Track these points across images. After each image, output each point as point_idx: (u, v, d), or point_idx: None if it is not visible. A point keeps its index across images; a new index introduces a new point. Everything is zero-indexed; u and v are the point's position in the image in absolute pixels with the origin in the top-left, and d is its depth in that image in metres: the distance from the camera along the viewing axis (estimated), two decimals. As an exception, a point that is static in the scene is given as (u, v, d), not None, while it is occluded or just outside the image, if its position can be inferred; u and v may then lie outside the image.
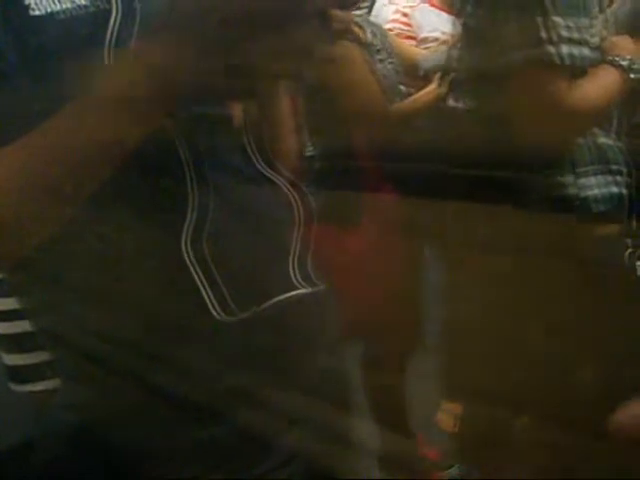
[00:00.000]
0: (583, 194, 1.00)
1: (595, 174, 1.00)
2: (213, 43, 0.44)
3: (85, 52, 0.52)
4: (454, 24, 1.13)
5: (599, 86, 0.97)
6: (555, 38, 0.91)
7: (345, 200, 1.20)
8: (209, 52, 0.44)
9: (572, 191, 1.00)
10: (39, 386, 1.04)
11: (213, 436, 0.59)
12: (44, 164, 0.49)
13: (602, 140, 1.02)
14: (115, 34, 0.52)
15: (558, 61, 0.91)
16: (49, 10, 0.52)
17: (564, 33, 0.91)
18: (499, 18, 0.95)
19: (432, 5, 1.71)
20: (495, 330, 1.00)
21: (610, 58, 1.00)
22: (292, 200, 0.62)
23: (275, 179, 0.61)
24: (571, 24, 0.91)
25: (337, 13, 0.46)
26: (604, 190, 1.00)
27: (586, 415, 0.84)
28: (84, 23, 0.52)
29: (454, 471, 1.55)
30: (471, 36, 1.05)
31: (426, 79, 1.44)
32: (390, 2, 1.76)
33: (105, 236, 0.55)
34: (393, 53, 1.45)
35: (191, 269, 0.55)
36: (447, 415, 1.49)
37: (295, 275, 0.61)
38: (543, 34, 0.91)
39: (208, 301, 0.56)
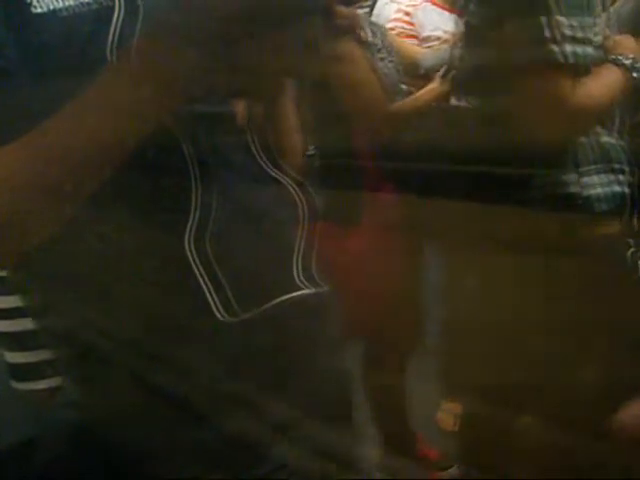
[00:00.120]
0: (586, 193, 0.99)
1: (598, 173, 1.00)
2: (215, 41, 0.44)
3: (87, 50, 0.52)
4: (456, 23, 1.13)
5: (602, 85, 0.97)
6: (559, 37, 0.91)
7: (346, 199, 1.20)
8: (211, 50, 0.44)
9: (575, 190, 0.99)
10: (40, 384, 1.04)
11: (213, 436, 0.58)
12: (44, 163, 0.49)
13: (605, 139, 1.02)
14: (118, 32, 0.52)
15: (562, 60, 0.91)
16: (51, 7, 0.52)
17: (568, 32, 0.91)
18: (502, 17, 0.95)
19: (434, 4, 1.70)
20: (496, 329, 1.00)
21: (613, 57, 1.00)
22: (297, 199, 0.61)
23: (280, 178, 0.61)
24: (575, 23, 0.91)
25: (341, 9, 0.46)
26: (607, 189, 1.00)
27: (587, 415, 0.84)
28: (87, 20, 0.52)
29: (454, 471, 1.55)
30: (474, 35, 1.05)
31: (427, 78, 1.44)
32: (392, 1, 1.75)
33: (108, 235, 0.55)
34: (393, 52, 1.45)
35: (194, 269, 0.55)
36: (447, 414, 1.49)
37: (299, 275, 0.61)
38: (547, 33, 0.91)
39: (211, 301, 0.56)
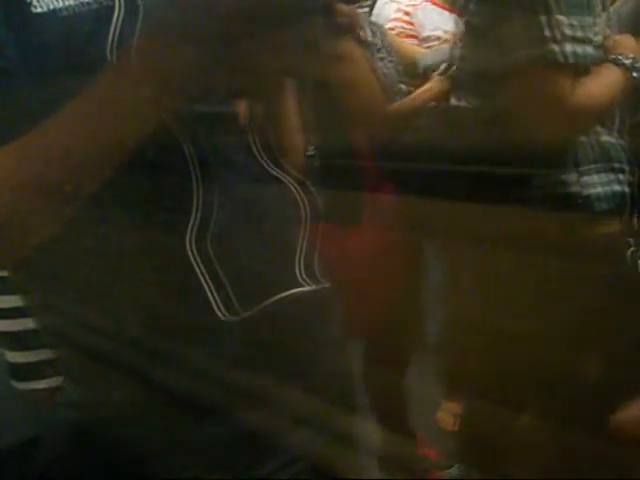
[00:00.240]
0: (586, 192, 1.00)
1: (598, 172, 1.01)
2: (215, 40, 0.44)
3: (87, 50, 0.52)
4: (456, 22, 1.13)
5: (602, 84, 0.97)
6: (559, 36, 0.91)
7: (346, 199, 1.20)
8: (211, 49, 0.44)
9: (575, 189, 1.00)
10: (41, 384, 1.04)
11: (215, 435, 0.58)
12: (44, 164, 0.48)
13: (605, 138, 1.02)
14: (118, 31, 0.52)
15: (562, 59, 0.92)
16: (51, 7, 0.52)
17: (568, 31, 0.91)
18: (502, 16, 0.95)
19: (434, 4, 1.70)
20: (496, 329, 1.00)
21: (613, 57, 1.00)
22: (298, 198, 0.61)
23: (281, 177, 0.61)
24: (575, 22, 0.92)
25: (342, 8, 0.45)
26: (607, 188, 1.01)
27: (587, 415, 0.84)
28: (87, 20, 0.52)
29: (454, 471, 1.55)
30: (474, 34, 1.05)
31: (426, 78, 1.44)
32: (392, 0, 1.75)
33: (109, 235, 0.55)
34: (393, 52, 1.45)
35: (195, 268, 0.55)
36: (447, 414, 1.50)
37: (301, 274, 0.61)
38: (547, 32, 0.91)
39: (213, 301, 0.56)
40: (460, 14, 1.09)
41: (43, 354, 1.01)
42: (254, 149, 0.60)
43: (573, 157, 1.00)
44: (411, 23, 1.70)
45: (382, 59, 1.41)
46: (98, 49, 0.51)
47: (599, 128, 1.02)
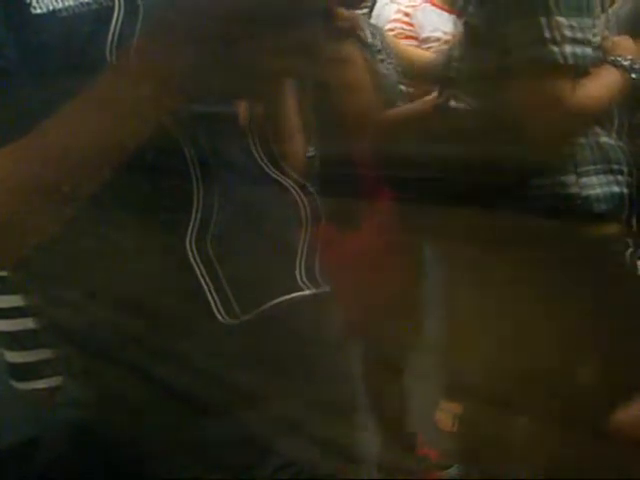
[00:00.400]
0: (585, 193, 1.00)
1: (597, 173, 1.01)
2: (215, 41, 0.44)
3: (87, 50, 0.52)
4: (455, 24, 1.13)
5: (601, 86, 0.98)
6: (559, 38, 0.91)
7: (344, 203, 1.20)
8: (211, 50, 0.44)
9: (574, 190, 1.00)
10: (41, 384, 1.04)
11: (216, 436, 0.58)
12: (43, 164, 0.48)
13: (604, 140, 1.02)
14: (117, 32, 0.52)
15: (562, 61, 0.92)
16: (51, 8, 0.51)
17: (567, 33, 0.91)
18: (502, 18, 0.96)
19: (434, 5, 1.70)
20: (496, 330, 1.00)
21: (612, 58, 1.00)
22: (299, 201, 0.61)
23: (281, 180, 0.61)
24: (574, 24, 0.92)
25: (342, 12, 0.45)
26: (605, 189, 1.01)
27: (587, 415, 0.84)
28: (86, 21, 0.52)
29: (454, 471, 1.55)
30: (473, 36, 1.05)
31: (425, 79, 1.44)
32: (392, 1, 1.75)
33: (109, 236, 0.55)
34: (392, 53, 1.45)
35: (196, 270, 0.55)
36: (446, 415, 1.50)
37: (301, 276, 0.61)
38: (547, 34, 0.91)
39: (212, 303, 0.56)
40: (459, 15, 1.09)
41: (42, 354, 1.01)
42: (254, 151, 0.60)
43: (572, 158, 1.00)
44: (411, 24, 1.70)
45: (382, 61, 1.41)
46: (98, 49, 0.51)
47: (598, 129, 1.02)
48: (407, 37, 1.69)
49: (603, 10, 0.97)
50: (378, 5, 1.79)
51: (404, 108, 1.39)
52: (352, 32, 1.29)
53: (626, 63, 1.00)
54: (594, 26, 0.95)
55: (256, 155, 0.60)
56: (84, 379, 0.63)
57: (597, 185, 1.00)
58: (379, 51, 1.41)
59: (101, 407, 0.61)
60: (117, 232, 0.55)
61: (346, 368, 0.71)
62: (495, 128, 0.99)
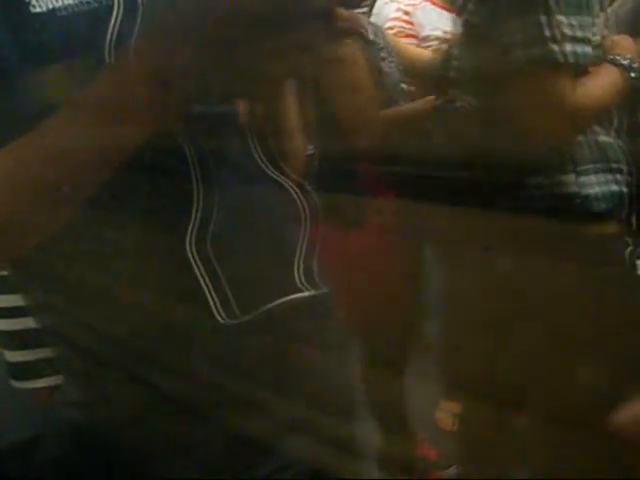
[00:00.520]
0: (584, 192, 1.00)
1: (596, 172, 1.01)
2: (214, 43, 0.44)
3: (86, 50, 0.52)
4: (455, 22, 1.13)
5: (600, 84, 0.98)
6: (559, 36, 0.91)
7: (344, 202, 1.20)
8: (210, 52, 0.44)
9: (573, 189, 1.00)
10: (40, 383, 1.04)
11: (214, 437, 0.58)
12: (42, 165, 0.48)
13: (603, 138, 1.02)
14: (116, 31, 0.52)
15: (562, 59, 0.92)
16: (50, 7, 0.51)
17: (567, 31, 0.91)
18: (502, 16, 0.95)
19: (434, 3, 1.71)
20: (495, 330, 1.00)
21: (611, 57, 1.00)
22: (298, 201, 0.61)
23: (281, 180, 0.61)
24: (574, 22, 0.92)
25: (342, 12, 0.45)
26: (604, 188, 1.01)
27: (587, 415, 0.84)
28: (85, 20, 0.52)
29: (454, 471, 1.55)
30: (473, 34, 1.05)
31: (425, 79, 1.44)
32: (392, 0, 1.76)
33: (109, 236, 0.55)
34: (393, 52, 1.45)
35: (195, 270, 0.55)
36: (446, 414, 1.50)
37: (300, 277, 0.61)
38: (547, 32, 0.91)
39: (212, 303, 0.56)
40: (459, 14, 1.09)
41: (42, 353, 1.01)
42: (254, 151, 0.60)
43: (571, 157, 1.00)
44: (410, 22, 1.70)
45: (384, 59, 1.41)
46: (96, 49, 0.51)
47: (597, 128, 1.02)
48: (407, 35, 1.69)
49: (602, 9, 0.97)
50: (378, 4, 1.79)
51: (404, 107, 1.40)
52: (352, 32, 1.29)
53: (625, 62, 1.00)
54: (594, 25, 0.95)
55: (255, 155, 0.60)
56: (83, 379, 0.63)
57: (596, 184, 1.00)
58: (381, 49, 1.41)
59: (100, 407, 0.61)
60: (116, 232, 0.55)
61: (346, 368, 0.71)
62: (495, 127, 0.99)
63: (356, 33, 1.32)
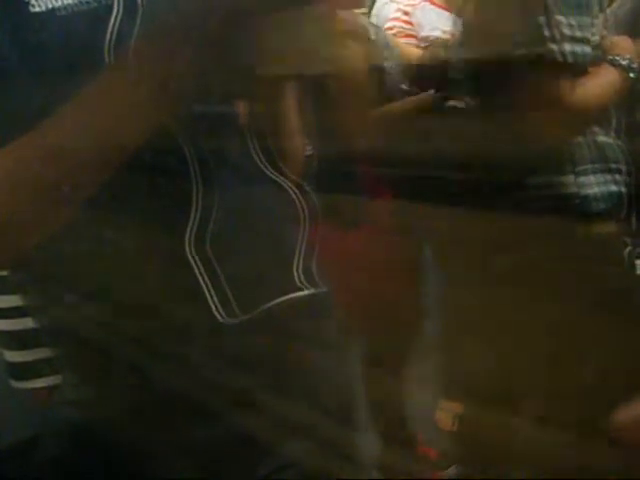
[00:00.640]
0: (583, 192, 1.00)
1: (594, 173, 1.01)
2: (214, 43, 0.44)
3: (85, 49, 0.52)
4: (455, 22, 1.13)
5: (599, 85, 0.98)
6: (558, 36, 0.91)
7: (343, 201, 1.20)
8: (210, 52, 0.44)
9: (572, 189, 1.00)
10: (39, 383, 1.04)
11: (214, 436, 0.58)
12: (42, 165, 0.48)
13: (602, 139, 1.02)
14: (115, 31, 0.52)
15: (561, 59, 0.92)
16: (50, 6, 0.51)
17: (567, 31, 0.91)
18: (501, 16, 0.96)
19: (433, 3, 1.71)
20: (495, 329, 1.00)
21: (610, 57, 1.01)
22: (297, 201, 0.61)
23: (280, 181, 0.61)
24: (573, 22, 0.92)
25: (342, 14, 0.45)
26: (603, 188, 1.01)
27: (586, 415, 0.84)
28: (85, 19, 0.52)
29: (454, 471, 1.55)
30: (472, 34, 1.05)
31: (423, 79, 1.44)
32: (391, 1, 1.76)
33: (108, 235, 0.55)
34: (394, 52, 1.45)
35: (195, 269, 0.55)
36: (446, 414, 1.50)
37: (299, 277, 0.61)
38: (546, 32, 0.91)
39: (211, 302, 0.56)
40: (458, 13, 1.09)
41: (41, 353, 1.01)
42: (253, 151, 0.60)
43: (570, 157, 1.00)
44: (410, 23, 1.71)
45: (386, 59, 1.42)
46: (96, 49, 0.51)
47: (596, 128, 1.02)
48: (406, 35, 1.69)
49: (602, 9, 0.97)
50: (377, 4, 1.79)
51: (398, 104, 1.39)
52: (352, 33, 1.29)
53: (624, 62, 1.00)
54: (593, 25, 0.95)
55: (255, 155, 0.60)
56: (83, 379, 0.63)
57: (595, 184, 1.00)
58: (382, 49, 1.41)
59: (100, 407, 0.61)
60: (116, 231, 0.55)
61: (345, 368, 0.71)
62: (493, 127, 0.99)
63: (356, 35, 1.32)
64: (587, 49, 0.94)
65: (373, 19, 1.72)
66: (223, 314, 0.56)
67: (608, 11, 1.02)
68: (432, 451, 1.61)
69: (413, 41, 1.68)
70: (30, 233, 0.51)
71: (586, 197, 1.00)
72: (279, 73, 0.46)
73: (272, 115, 0.63)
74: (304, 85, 0.68)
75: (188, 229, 0.55)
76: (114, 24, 0.52)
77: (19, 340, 1.03)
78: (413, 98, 1.37)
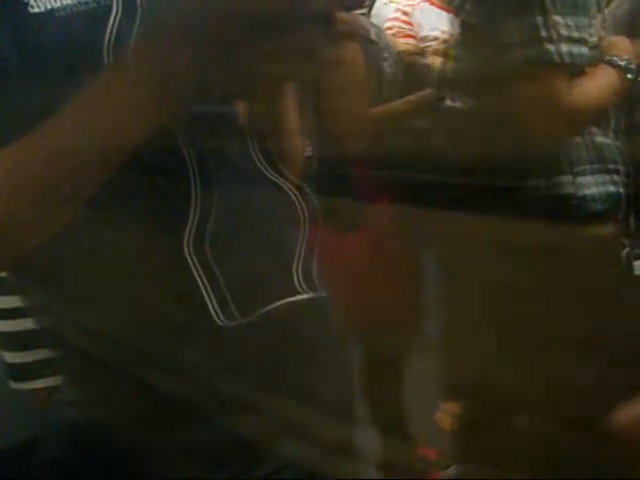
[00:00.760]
0: (581, 193, 1.00)
1: (593, 173, 1.01)
2: (213, 44, 0.44)
3: (84, 50, 0.52)
4: (452, 22, 1.14)
5: (597, 85, 0.98)
6: (555, 37, 0.91)
7: (343, 204, 1.20)
8: (209, 53, 0.44)
9: (570, 190, 1.00)
10: (39, 383, 1.04)
11: (213, 436, 0.58)
12: (42, 166, 0.48)
13: (600, 139, 1.02)
14: (115, 31, 0.52)
15: (558, 59, 0.92)
16: (49, 7, 0.51)
17: (564, 32, 0.91)
18: (498, 16, 0.96)
19: (432, 4, 1.71)
20: (495, 330, 1.00)
21: (608, 58, 1.01)
22: (297, 204, 0.61)
23: (280, 183, 0.61)
24: (570, 23, 0.92)
25: (342, 15, 0.45)
26: (601, 189, 1.01)
27: (586, 415, 0.84)
28: (84, 20, 0.51)
29: (453, 471, 1.55)
30: (470, 34, 1.05)
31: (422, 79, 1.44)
32: (390, 1, 1.76)
33: (107, 236, 0.55)
34: (394, 52, 1.46)
35: (193, 271, 0.55)
36: (446, 415, 1.50)
37: (299, 280, 0.60)
38: (543, 33, 0.91)
39: (210, 304, 0.55)
40: (456, 14, 1.09)
41: (41, 354, 1.01)
42: (252, 152, 0.60)
43: (568, 158, 1.00)
44: (409, 23, 1.71)
45: (386, 59, 1.42)
46: (95, 49, 0.51)
47: (594, 129, 1.02)
48: (406, 36, 1.70)
49: (599, 10, 0.98)
50: (377, 4, 1.79)
51: (395, 103, 1.39)
52: (352, 35, 1.29)
53: (622, 63, 1.00)
54: (590, 25, 0.95)
55: (254, 156, 0.60)
56: (82, 379, 0.63)
57: (593, 185, 1.00)
58: (383, 50, 1.42)
59: (99, 407, 0.61)
60: (115, 232, 0.55)
61: (345, 370, 0.71)
62: (491, 128, 0.99)
63: (356, 36, 1.32)
64: (584, 50, 0.94)
65: (372, 19, 1.72)
66: (222, 317, 0.56)
67: (606, 11, 1.03)
68: (432, 451, 1.61)
69: (412, 41, 1.68)
70: (30, 234, 0.51)
71: (584, 198, 1.00)
72: (279, 73, 0.46)
73: (272, 116, 0.62)
74: (303, 86, 0.68)
75: (187, 230, 0.55)
76: (113, 24, 0.52)
77: (19, 341, 1.03)
78: (411, 98, 1.38)
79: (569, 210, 1.00)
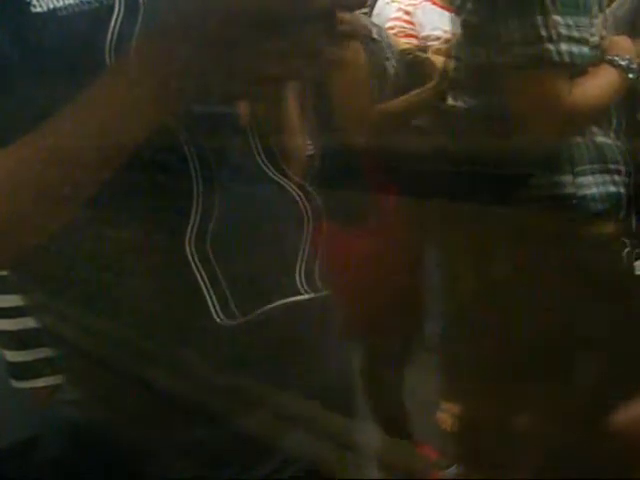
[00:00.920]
0: (581, 193, 1.00)
1: (593, 173, 1.01)
2: (214, 43, 0.44)
3: (86, 50, 0.52)
4: (453, 22, 1.14)
5: (598, 85, 0.98)
6: (555, 36, 0.91)
7: (347, 200, 1.20)
8: (211, 53, 0.44)
9: (570, 190, 1.00)
10: (40, 382, 1.04)
11: (214, 436, 0.58)
12: (43, 165, 0.48)
13: (600, 139, 1.02)
14: (117, 31, 0.52)
15: (557, 59, 0.92)
16: (51, 7, 0.51)
17: (564, 31, 0.92)
18: (499, 16, 0.96)
19: (434, 3, 1.71)
20: (494, 329, 1.00)
21: (609, 58, 1.01)
22: (300, 203, 0.61)
23: (282, 182, 0.60)
24: (571, 22, 0.92)
25: (344, 15, 0.45)
26: (602, 189, 1.01)
27: (586, 415, 0.84)
28: (86, 19, 0.51)
29: (454, 471, 1.55)
30: (471, 34, 1.05)
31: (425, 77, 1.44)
32: (392, 0, 1.76)
33: (108, 235, 0.55)
34: (396, 52, 1.46)
35: (194, 270, 0.55)
36: (447, 414, 1.50)
37: (301, 280, 0.60)
38: (543, 32, 0.91)
39: (210, 303, 0.55)
40: (457, 13, 1.09)
41: (41, 353, 1.02)
42: (254, 151, 0.60)
43: (568, 158, 1.00)
44: (411, 22, 1.71)
45: (388, 59, 1.42)
46: (97, 49, 0.51)
47: (595, 129, 1.02)
48: (407, 35, 1.70)
49: (601, 9, 0.98)
50: (379, 4, 1.79)
51: (398, 100, 1.40)
52: (354, 34, 1.29)
53: (623, 63, 1.00)
54: (591, 25, 0.95)
55: (256, 156, 0.60)
56: (82, 378, 0.63)
57: (593, 185, 1.00)
58: (385, 49, 1.42)
59: (99, 407, 0.61)
60: (116, 232, 0.55)
61: (345, 369, 0.71)
62: (492, 126, 1.00)
63: (358, 35, 1.32)
64: (585, 49, 0.94)
65: (374, 19, 1.72)
66: (222, 315, 0.56)
67: (607, 11, 1.02)
68: (432, 451, 1.61)
69: (414, 41, 1.68)
70: (31, 233, 0.51)
71: (584, 198, 1.00)
72: (280, 73, 0.46)
73: (273, 115, 0.62)
74: (305, 84, 0.68)
75: (188, 229, 0.55)
76: (115, 24, 0.52)
77: (19, 340, 1.03)
78: (413, 96, 1.38)
79: (569, 210, 1.00)
